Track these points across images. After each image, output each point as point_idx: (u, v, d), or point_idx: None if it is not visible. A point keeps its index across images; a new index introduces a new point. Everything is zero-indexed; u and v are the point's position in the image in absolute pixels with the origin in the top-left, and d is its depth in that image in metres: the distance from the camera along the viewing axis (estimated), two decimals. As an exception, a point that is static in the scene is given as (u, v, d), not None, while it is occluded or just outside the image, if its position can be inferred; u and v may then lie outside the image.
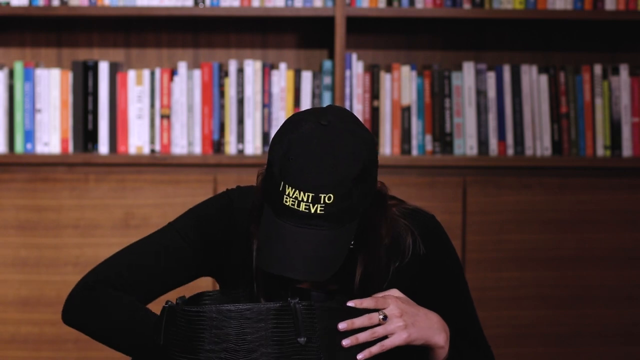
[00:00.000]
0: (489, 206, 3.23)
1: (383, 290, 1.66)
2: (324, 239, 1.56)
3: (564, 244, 3.26)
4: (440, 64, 3.42)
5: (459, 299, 1.76)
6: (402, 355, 1.64)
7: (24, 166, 3.26)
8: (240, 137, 3.32)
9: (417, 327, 1.62)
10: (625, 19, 3.32)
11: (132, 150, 3.32)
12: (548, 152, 3.34)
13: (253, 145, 3.31)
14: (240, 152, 3.32)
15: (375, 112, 3.33)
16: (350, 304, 1.57)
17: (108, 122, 3.31)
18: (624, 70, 3.35)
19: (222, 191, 1.80)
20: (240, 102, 3.32)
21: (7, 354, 3.22)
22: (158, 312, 1.59)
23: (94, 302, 1.71)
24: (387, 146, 3.32)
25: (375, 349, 1.56)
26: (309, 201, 1.54)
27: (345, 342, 1.54)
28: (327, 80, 3.31)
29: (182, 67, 3.32)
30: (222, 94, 3.32)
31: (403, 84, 3.33)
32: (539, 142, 3.33)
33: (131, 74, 3.32)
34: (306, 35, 3.49)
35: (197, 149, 3.32)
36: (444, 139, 3.33)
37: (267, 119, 3.32)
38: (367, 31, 3.47)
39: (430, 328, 1.64)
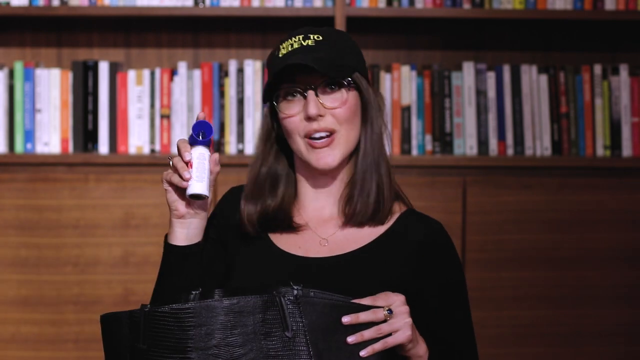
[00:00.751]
0: (488, 206, 3.23)
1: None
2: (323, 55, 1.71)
3: (563, 244, 3.25)
4: (440, 64, 3.42)
5: (457, 313, 1.73)
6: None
7: (24, 166, 3.26)
8: (240, 137, 3.32)
9: (414, 329, 1.60)
10: (625, 19, 3.32)
11: (132, 150, 3.31)
12: (548, 152, 3.34)
13: (253, 145, 3.31)
14: (240, 152, 3.32)
15: (375, 112, 3.33)
16: (354, 300, 1.56)
17: (108, 122, 3.31)
18: (623, 70, 3.35)
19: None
20: (240, 102, 3.32)
21: (7, 354, 3.22)
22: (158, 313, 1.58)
23: None
24: (387, 146, 3.31)
25: (378, 346, 1.54)
26: (300, 40, 1.72)
27: (350, 339, 1.52)
28: (327, 80, 3.31)
29: (182, 67, 3.32)
30: (222, 94, 3.32)
31: (403, 84, 3.32)
32: (539, 142, 3.33)
33: (131, 74, 3.32)
34: (306, 35, 3.49)
35: (197, 149, 3.32)
36: (443, 139, 3.33)
37: (267, 119, 3.31)
38: (367, 31, 3.47)
39: (418, 334, 1.63)
